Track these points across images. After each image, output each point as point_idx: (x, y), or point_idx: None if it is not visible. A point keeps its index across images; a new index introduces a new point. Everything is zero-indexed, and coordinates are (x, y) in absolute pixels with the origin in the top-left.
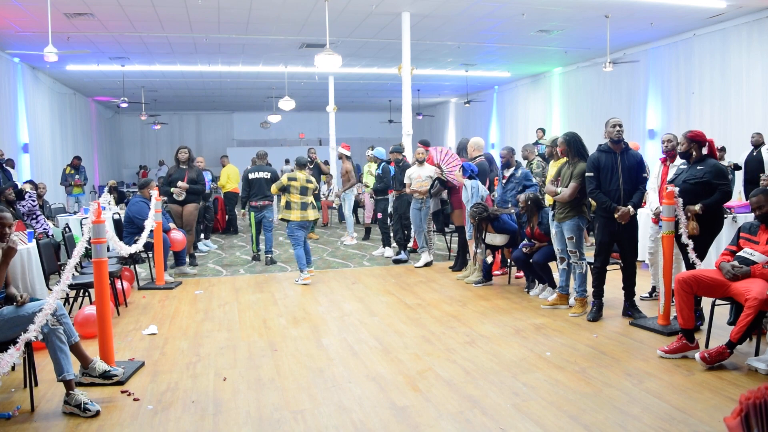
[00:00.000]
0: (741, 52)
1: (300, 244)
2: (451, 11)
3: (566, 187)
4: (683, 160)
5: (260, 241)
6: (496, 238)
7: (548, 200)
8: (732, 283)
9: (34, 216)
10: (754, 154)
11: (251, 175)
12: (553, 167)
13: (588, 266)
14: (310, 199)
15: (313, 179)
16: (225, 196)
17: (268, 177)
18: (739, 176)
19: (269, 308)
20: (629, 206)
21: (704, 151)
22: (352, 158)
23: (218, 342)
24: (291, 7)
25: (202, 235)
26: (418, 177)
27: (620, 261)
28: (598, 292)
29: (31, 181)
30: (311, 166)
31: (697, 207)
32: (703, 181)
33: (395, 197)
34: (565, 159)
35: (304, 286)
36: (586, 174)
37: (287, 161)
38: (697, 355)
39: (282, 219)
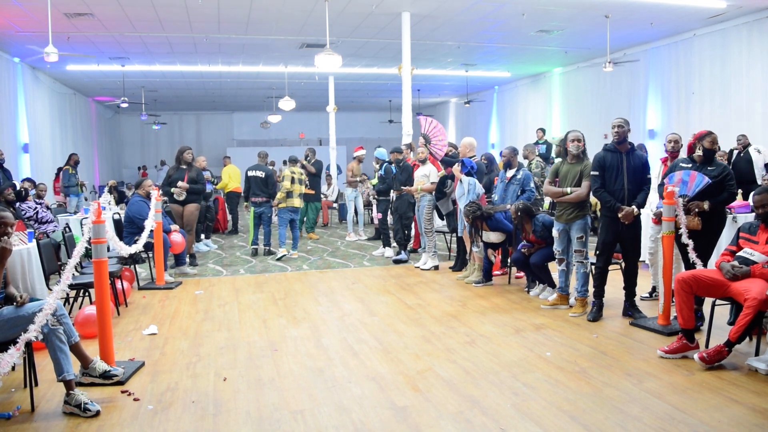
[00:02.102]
0: (741, 52)
1: (285, 225)
2: (451, 11)
3: (573, 186)
4: (683, 158)
5: (259, 241)
6: (491, 236)
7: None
8: (732, 283)
9: (39, 217)
10: (742, 155)
11: (249, 173)
12: None
13: (591, 266)
14: (301, 188)
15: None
16: (227, 196)
17: (263, 176)
18: None
19: (269, 308)
20: (633, 206)
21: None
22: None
23: (218, 342)
24: (291, 7)
25: (203, 236)
26: (416, 176)
27: (620, 261)
28: (599, 292)
29: (29, 179)
30: (305, 162)
31: (706, 205)
32: (717, 182)
33: (395, 197)
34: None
35: (304, 286)
36: (591, 173)
37: (285, 162)
38: (696, 356)
39: (288, 208)
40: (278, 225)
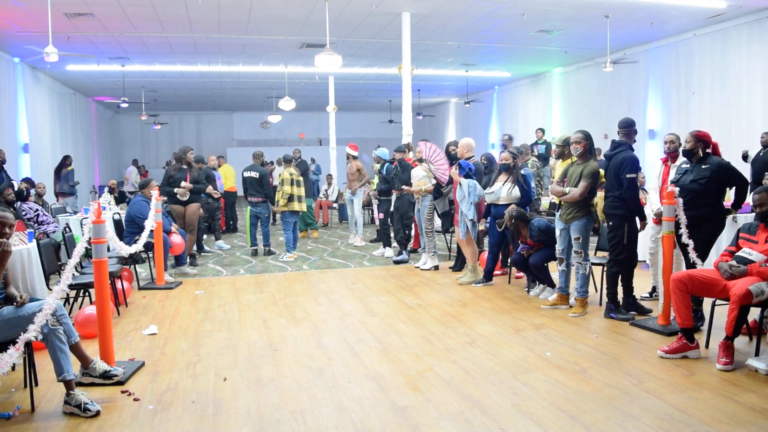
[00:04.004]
0: (741, 52)
1: (290, 229)
2: (451, 11)
3: (575, 186)
4: (684, 159)
5: (257, 240)
6: (499, 192)
7: (555, 200)
8: (727, 282)
9: (40, 221)
10: (761, 154)
11: (244, 174)
12: (560, 167)
13: (591, 267)
14: (301, 190)
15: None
16: (224, 195)
17: (257, 176)
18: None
19: (269, 308)
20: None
21: (708, 151)
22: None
23: (218, 342)
24: (291, 7)
25: (205, 236)
26: (417, 176)
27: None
28: (629, 291)
29: (28, 179)
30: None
31: (734, 211)
32: (713, 180)
33: (396, 197)
34: (571, 159)
35: (304, 286)
36: (630, 176)
37: (273, 162)
38: (718, 366)
39: (291, 211)
40: (283, 230)
